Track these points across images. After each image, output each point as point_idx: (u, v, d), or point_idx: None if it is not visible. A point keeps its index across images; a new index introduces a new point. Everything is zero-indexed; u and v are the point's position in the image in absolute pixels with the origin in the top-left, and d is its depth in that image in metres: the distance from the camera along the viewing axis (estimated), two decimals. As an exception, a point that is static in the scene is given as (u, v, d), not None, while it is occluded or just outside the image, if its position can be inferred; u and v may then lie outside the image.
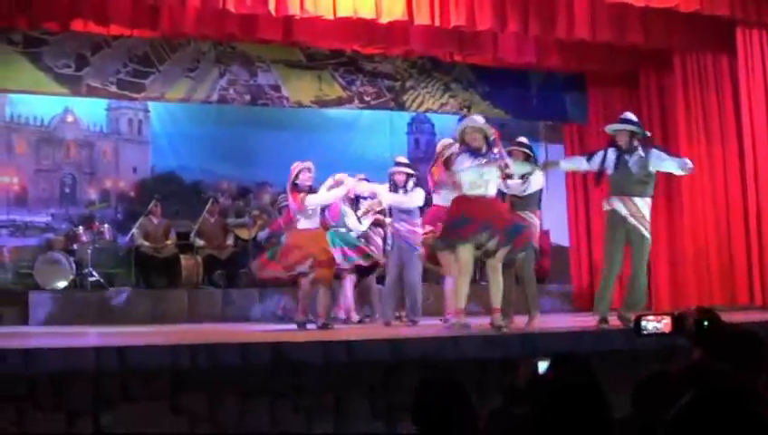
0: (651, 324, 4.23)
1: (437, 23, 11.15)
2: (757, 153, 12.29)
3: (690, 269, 12.77)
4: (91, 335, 9.17)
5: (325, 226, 10.64)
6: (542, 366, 3.85)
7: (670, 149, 13.14)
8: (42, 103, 14.10)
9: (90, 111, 14.70)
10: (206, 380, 7.10)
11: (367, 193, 11.33)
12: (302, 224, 10.17)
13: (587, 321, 10.39)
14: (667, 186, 13.29)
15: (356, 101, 13.86)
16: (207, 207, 13.80)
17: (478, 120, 9.24)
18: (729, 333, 4.01)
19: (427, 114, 16.01)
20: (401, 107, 14.29)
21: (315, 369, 7.39)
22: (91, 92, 12.64)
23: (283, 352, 7.42)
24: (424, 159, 16.81)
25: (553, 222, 14.26)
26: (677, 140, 13.08)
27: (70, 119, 14.69)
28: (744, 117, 12.31)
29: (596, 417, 2.99)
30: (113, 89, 12.59)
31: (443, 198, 9.89)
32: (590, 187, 14.24)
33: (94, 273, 13.03)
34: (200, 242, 13.55)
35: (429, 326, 10.28)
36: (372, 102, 13.96)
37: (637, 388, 3.65)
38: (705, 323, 4.09)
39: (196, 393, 7.04)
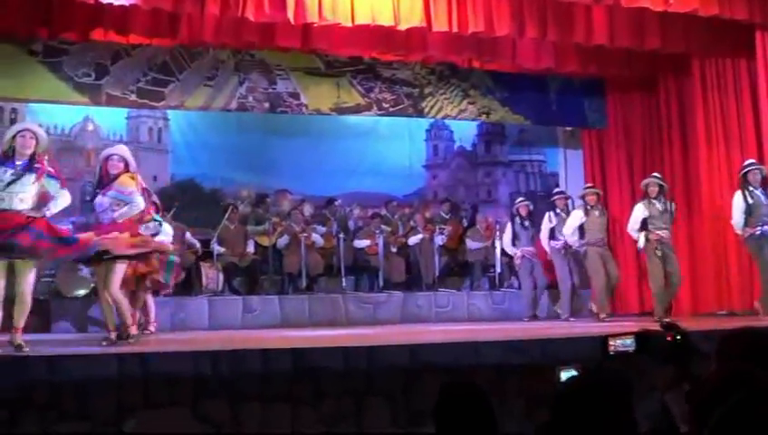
0: (618, 343, 4.12)
1: (456, 29, 11.14)
2: (776, 157, 12.26)
3: (710, 274, 12.73)
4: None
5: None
6: (566, 375, 3.80)
7: (689, 154, 13.18)
8: (62, 112, 14.14)
9: (109, 119, 14.73)
10: (227, 386, 7.13)
11: None
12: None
13: (609, 326, 10.41)
14: (686, 191, 13.27)
15: (374, 108, 13.90)
16: (227, 214, 13.78)
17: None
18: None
19: (446, 121, 16.01)
20: (420, 113, 14.32)
21: (336, 374, 7.42)
22: (111, 101, 12.73)
23: (303, 358, 7.45)
24: (443, 165, 16.85)
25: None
26: (697, 144, 13.06)
27: (90, 127, 14.73)
28: (763, 120, 12.24)
29: (621, 426, 2.97)
30: (133, 97, 12.68)
31: None
32: (609, 193, 14.25)
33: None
34: (220, 249, 13.55)
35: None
36: (391, 109, 14.00)
37: (665, 398, 3.62)
38: (678, 337, 4.00)
39: (218, 400, 7.08)
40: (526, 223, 13.48)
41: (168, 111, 14.75)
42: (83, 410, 6.82)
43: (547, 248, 13.19)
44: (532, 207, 13.67)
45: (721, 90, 13.02)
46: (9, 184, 7.96)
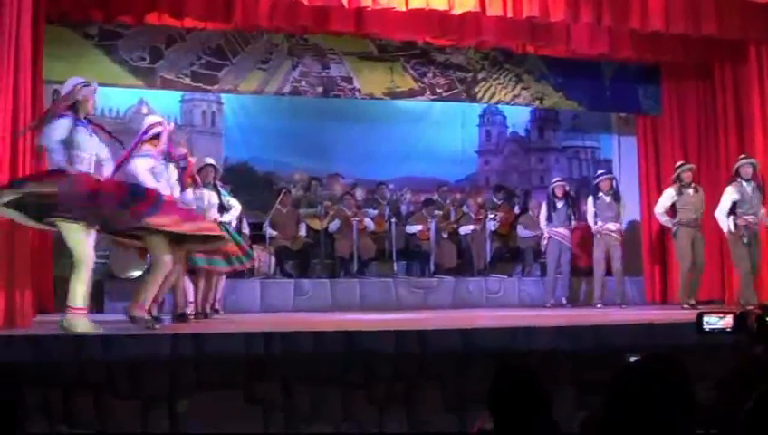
0: (713, 321, 4.18)
1: (510, 14, 11.08)
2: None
3: (764, 263, 12.59)
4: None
5: None
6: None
7: (745, 141, 13.00)
8: (117, 95, 14.23)
9: (163, 102, 14.78)
10: (279, 368, 7.16)
11: None
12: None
13: (658, 313, 10.36)
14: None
15: (428, 93, 13.89)
16: (279, 197, 13.86)
17: None
18: None
19: (499, 106, 15.95)
20: (473, 99, 14.30)
21: (387, 358, 7.42)
22: (166, 85, 12.83)
23: (355, 342, 7.46)
24: (495, 151, 16.80)
25: (626, 216, 14.12)
26: (753, 131, 12.89)
27: (144, 110, 14.76)
28: (820, 108, 12.12)
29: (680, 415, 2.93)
30: (187, 81, 12.77)
31: None
32: (663, 181, 14.08)
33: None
34: (272, 232, 13.62)
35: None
36: (444, 94, 13.98)
37: (721, 384, 3.61)
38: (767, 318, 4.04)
39: (270, 382, 7.11)
40: (560, 204, 13.44)
41: (222, 95, 14.85)
42: (136, 390, 6.88)
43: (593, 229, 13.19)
44: (568, 188, 13.68)
45: (778, 77, 12.87)
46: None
